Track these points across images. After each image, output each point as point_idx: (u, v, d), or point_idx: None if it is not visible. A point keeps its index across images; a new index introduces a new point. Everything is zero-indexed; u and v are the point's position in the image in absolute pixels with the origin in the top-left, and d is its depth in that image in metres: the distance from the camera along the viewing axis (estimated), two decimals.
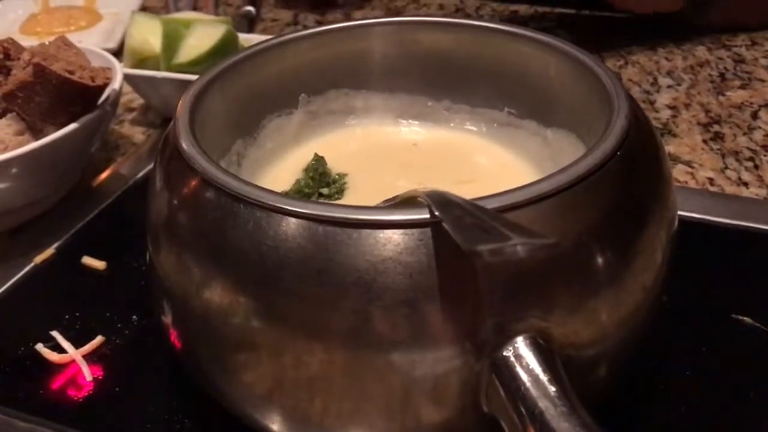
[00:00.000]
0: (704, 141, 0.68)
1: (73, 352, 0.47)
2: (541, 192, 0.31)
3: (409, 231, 0.30)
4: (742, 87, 0.77)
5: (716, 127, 0.70)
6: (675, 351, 0.44)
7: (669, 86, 0.79)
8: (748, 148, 0.67)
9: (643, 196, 0.36)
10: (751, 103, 0.74)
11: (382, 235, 0.30)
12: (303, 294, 0.31)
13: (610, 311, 0.34)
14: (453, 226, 0.27)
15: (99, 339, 0.48)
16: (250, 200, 0.32)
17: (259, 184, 0.44)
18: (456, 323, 0.31)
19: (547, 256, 0.28)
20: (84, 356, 0.47)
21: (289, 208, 0.31)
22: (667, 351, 0.44)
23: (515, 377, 0.30)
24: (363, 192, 0.45)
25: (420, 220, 0.30)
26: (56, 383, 0.45)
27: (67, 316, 0.50)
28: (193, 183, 0.35)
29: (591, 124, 0.40)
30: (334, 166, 0.47)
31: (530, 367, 0.30)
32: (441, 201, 0.29)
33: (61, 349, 0.47)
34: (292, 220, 0.31)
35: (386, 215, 0.31)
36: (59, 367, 0.46)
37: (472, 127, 0.51)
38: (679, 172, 0.64)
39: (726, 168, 0.64)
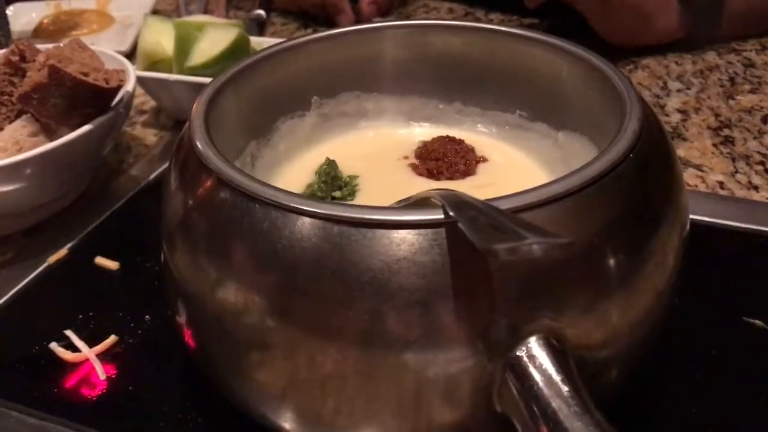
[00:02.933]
0: (714, 145, 0.68)
1: (86, 351, 0.47)
2: (554, 193, 0.32)
3: (423, 231, 0.31)
4: (753, 91, 0.77)
5: (726, 131, 0.70)
6: (686, 353, 0.44)
7: (679, 90, 0.79)
8: (758, 152, 0.66)
9: (656, 197, 0.36)
10: (762, 108, 0.74)
11: (396, 236, 0.31)
12: (317, 293, 0.32)
13: (622, 313, 0.34)
14: (468, 226, 0.27)
15: (112, 338, 0.48)
16: (265, 200, 0.32)
17: (277, 180, 0.45)
18: (469, 323, 0.31)
19: (562, 255, 0.28)
20: (97, 355, 0.47)
21: (305, 207, 0.32)
22: (678, 353, 0.44)
23: (528, 377, 0.30)
24: (374, 194, 0.45)
25: (434, 221, 0.31)
26: (70, 382, 0.45)
27: (80, 316, 0.50)
28: (209, 183, 0.35)
29: (603, 127, 0.40)
30: (346, 168, 0.47)
31: (543, 367, 0.30)
32: (455, 201, 0.30)
33: (74, 348, 0.48)
34: (307, 219, 0.31)
35: (400, 215, 0.31)
36: (73, 366, 0.47)
37: (483, 129, 0.51)
38: (689, 176, 0.64)
39: (736, 172, 0.64)
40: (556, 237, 0.25)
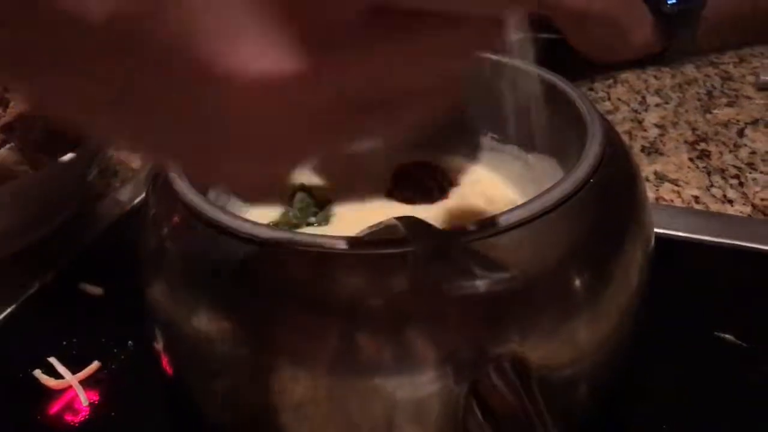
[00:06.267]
0: (690, 159, 0.69)
1: (69, 378, 0.48)
2: (515, 220, 0.32)
3: (387, 259, 0.31)
4: (729, 105, 0.78)
5: (703, 145, 0.71)
6: (657, 369, 0.45)
7: (657, 105, 0.80)
8: (733, 166, 0.68)
9: (618, 219, 0.37)
10: (738, 121, 0.75)
11: (361, 264, 0.32)
12: (287, 323, 0.32)
13: (588, 333, 0.35)
14: (422, 258, 0.28)
15: (95, 364, 0.49)
16: (234, 232, 0.33)
17: (248, 213, 0.46)
18: (434, 348, 0.32)
19: (507, 289, 0.29)
20: (80, 381, 0.48)
21: (271, 240, 0.33)
22: (648, 369, 0.45)
23: (491, 401, 0.31)
24: (349, 220, 0.46)
25: (398, 249, 0.31)
26: (53, 408, 0.46)
27: (64, 342, 0.51)
28: (181, 215, 0.36)
29: (569, 150, 0.41)
30: (322, 193, 0.48)
31: (506, 390, 0.31)
32: (415, 230, 0.31)
33: (58, 375, 0.48)
34: (275, 251, 0.32)
35: (365, 244, 0.32)
36: (56, 393, 0.47)
37: (457, 152, 0.52)
38: (665, 191, 0.65)
39: (711, 186, 0.65)
40: (501, 271, 0.26)
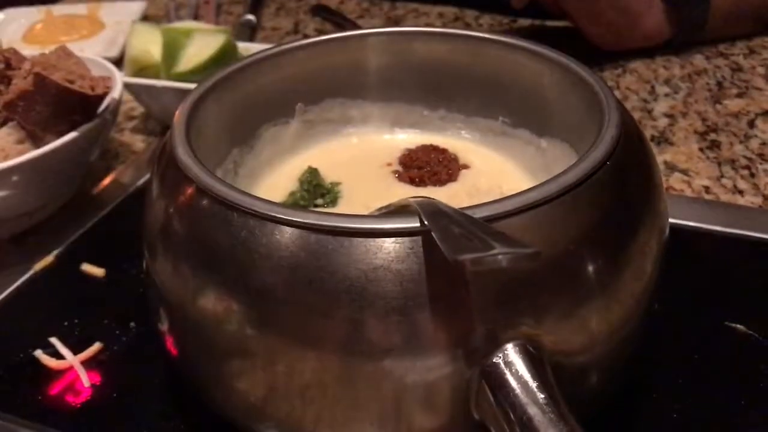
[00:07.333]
0: (701, 149, 0.68)
1: (71, 359, 0.47)
2: (531, 201, 0.32)
3: (400, 239, 0.31)
4: (739, 95, 0.78)
5: (713, 136, 0.70)
6: (668, 358, 0.44)
7: (666, 95, 0.79)
8: (744, 157, 0.67)
9: (634, 204, 0.36)
10: (748, 112, 0.74)
11: (373, 244, 0.31)
12: (295, 302, 0.32)
13: (601, 319, 0.34)
14: (439, 236, 0.27)
15: (97, 345, 0.48)
16: (243, 209, 0.33)
17: (255, 193, 0.45)
18: (447, 331, 0.31)
19: (529, 265, 0.29)
20: (82, 362, 0.47)
21: (282, 216, 0.32)
22: (660, 358, 0.44)
23: (504, 384, 0.30)
24: (356, 201, 0.46)
25: (411, 229, 0.31)
26: (54, 389, 0.45)
27: (66, 323, 0.50)
28: (188, 191, 0.35)
29: (583, 134, 0.40)
30: (330, 174, 0.47)
31: (519, 374, 0.30)
32: (430, 210, 0.30)
33: (59, 356, 0.48)
34: (285, 228, 0.32)
35: (377, 224, 0.31)
36: (57, 374, 0.47)
37: (466, 136, 0.51)
38: (675, 181, 0.64)
39: (722, 176, 0.64)
40: (523, 247, 0.25)
